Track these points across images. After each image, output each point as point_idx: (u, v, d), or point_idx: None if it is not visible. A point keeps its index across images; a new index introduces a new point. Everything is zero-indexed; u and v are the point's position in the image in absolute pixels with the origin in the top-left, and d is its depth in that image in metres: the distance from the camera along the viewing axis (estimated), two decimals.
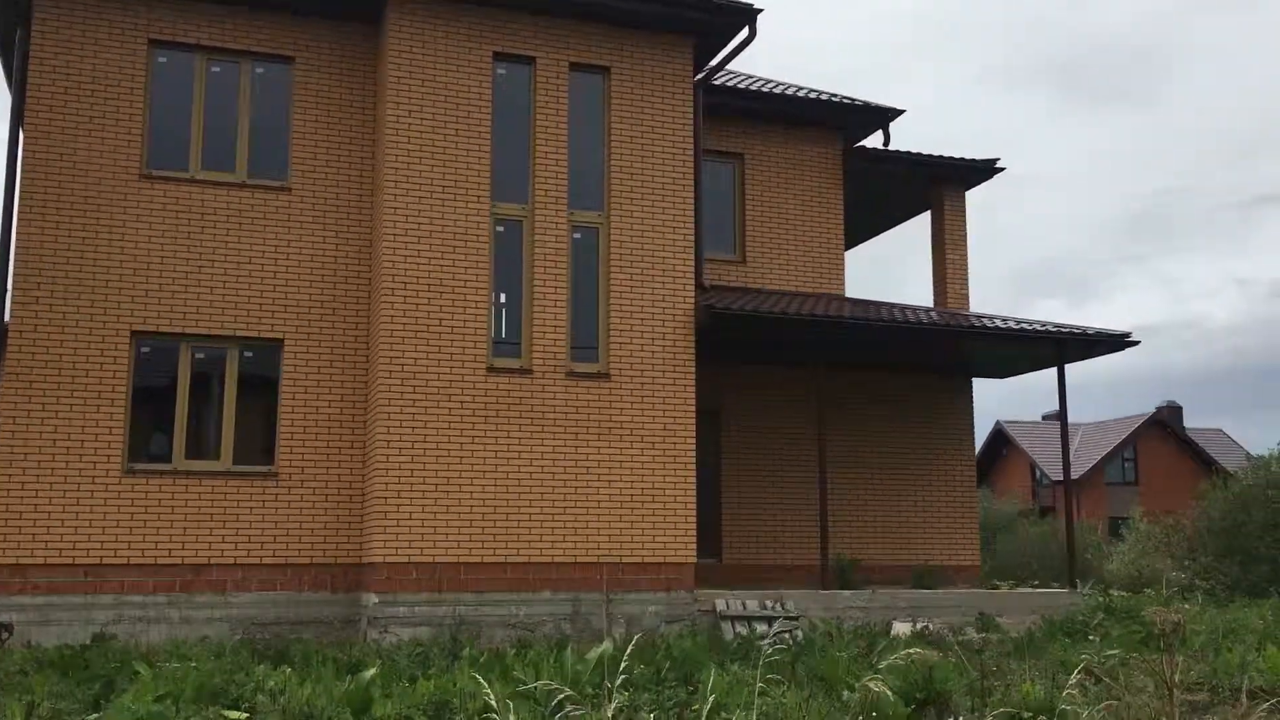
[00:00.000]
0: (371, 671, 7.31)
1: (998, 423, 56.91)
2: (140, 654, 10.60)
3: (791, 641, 13.11)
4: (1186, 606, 10.74)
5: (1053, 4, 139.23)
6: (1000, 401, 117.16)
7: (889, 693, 5.87)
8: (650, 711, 6.94)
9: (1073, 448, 54.44)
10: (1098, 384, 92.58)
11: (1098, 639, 11.86)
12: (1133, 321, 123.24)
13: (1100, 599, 16.09)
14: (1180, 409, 55.13)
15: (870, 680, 5.37)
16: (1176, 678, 6.06)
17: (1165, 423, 53.78)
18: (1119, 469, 53.53)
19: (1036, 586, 19.76)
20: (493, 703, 5.82)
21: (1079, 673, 6.69)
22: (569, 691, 5.46)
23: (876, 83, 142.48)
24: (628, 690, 7.58)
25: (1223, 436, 57.33)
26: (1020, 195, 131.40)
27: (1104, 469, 52.51)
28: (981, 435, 57.76)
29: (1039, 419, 58.07)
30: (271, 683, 7.01)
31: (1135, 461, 53.69)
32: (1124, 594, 20.72)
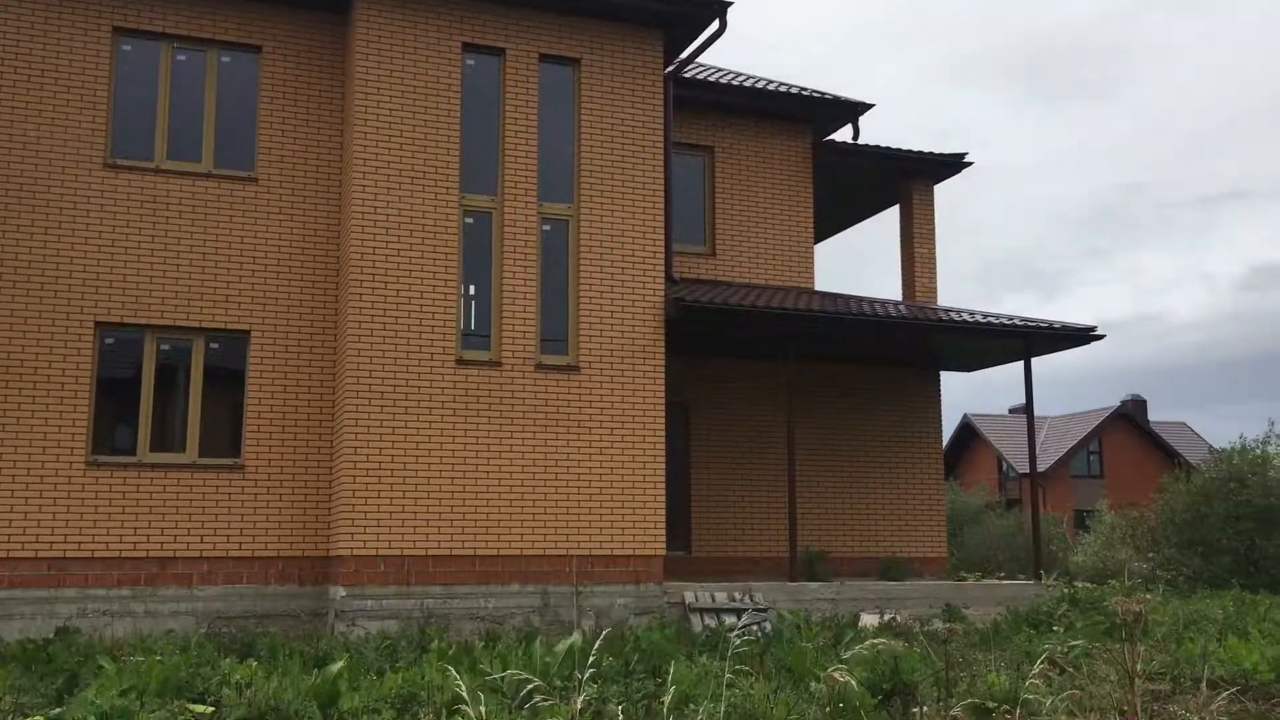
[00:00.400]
0: (339, 665, 7.28)
1: (965, 416, 57.32)
2: (105, 648, 10.51)
3: (760, 633, 13.17)
4: (1149, 597, 10.86)
5: (1014, 1, 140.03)
6: (967, 394, 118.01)
7: (854, 683, 5.91)
8: (618, 703, 6.94)
9: (1039, 441, 54.95)
10: (1063, 378, 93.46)
11: (1061, 630, 11.97)
12: (1097, 316, 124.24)
13: (1065, 590, 16.25)
14: (1145, 402, 55.69)
15: (835, 671, 5.38)
16: (1139, 668, 6.12)
17: (1130, 416, 54.31)
18: (1084, 462, 54.03)
19: (1002, 578, 19.92)
20: (463, 694, 5.80)
21: (1042, 663, 6.75)
22: (538, 682, 5.45)
23: (843, 76, 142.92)
24: (596, 682, 7.58)
25: (1186, 430, 57.97)
26: (987, 189, 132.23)
27: (1070, 462, 52.98)
28: (949, 428, 58.16)
29: (1006, 412, 58.54)
30: (238, 676, 6.96)
31: (1101, 454, 54.20)
32: (1089, 585, 20.95)
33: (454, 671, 6.78)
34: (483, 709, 5.73)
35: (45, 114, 13.59)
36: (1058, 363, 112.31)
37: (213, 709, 6.56)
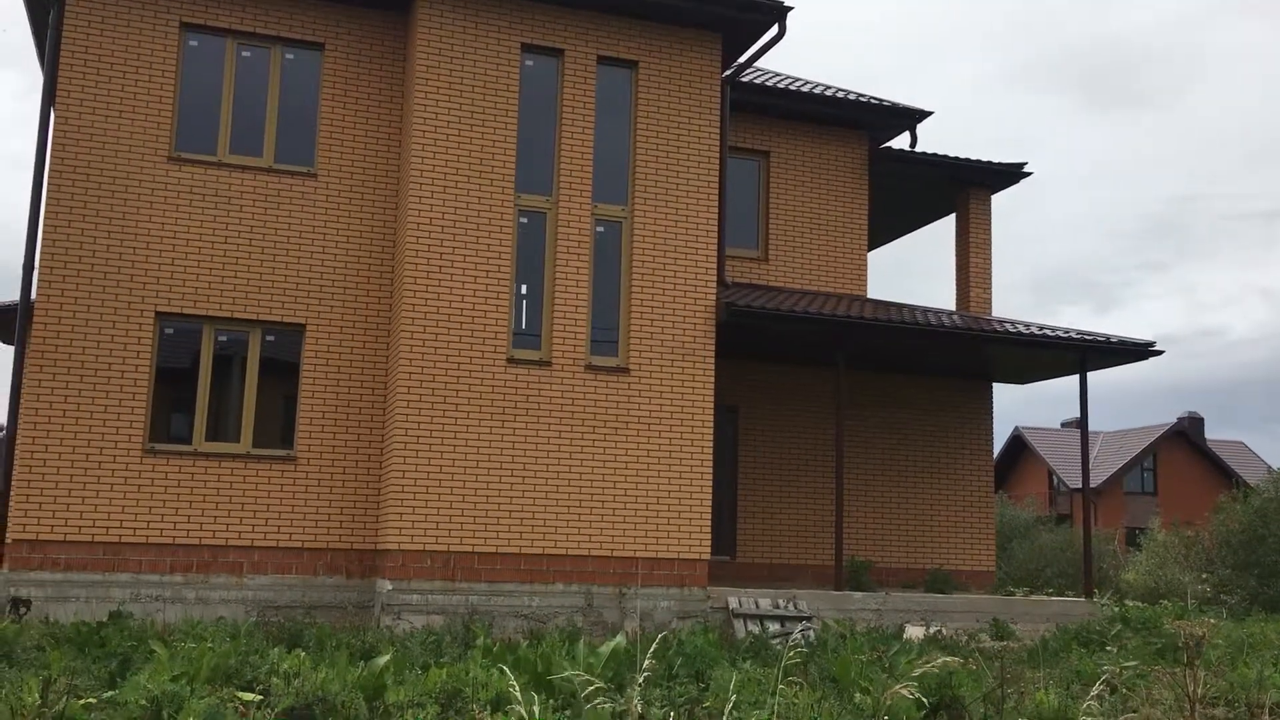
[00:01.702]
0: (385, 658, 7.34)
1: (1016, 428, 56.65)
2: (156, 633, 10.68)
3: (804, 641, 13.11)
4: (1211, 620, 10.63)
5: (1074, 5, 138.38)
6: (1019, 407, 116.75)
7: (909, 696, 5.85)
8: (661, 707, 6.94)
9: (1092, 456, 54.27)
10: (1117, 393, 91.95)
11: (1114, 649, 11.80)
12: (1153, 330, 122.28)
13: (1117, 609, 16.01)
14: (1201, 420, 54.77)
15: (903, 687, 5.32)
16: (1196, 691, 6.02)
17: (1186, 433, 53.43)
18: (1138, 479, 53.22)
19: (1051, 594, 19.69)
20: (513, 693, 5.82)
21: (1102, 683, 6.65)
22: (597, 684, 5.46)
23: (896, 82, 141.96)
24: (641, 685, 7.57)
25: (1244, 449, 56.95)
26: (1041, 199, 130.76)
27: (1123, 478, 52.21)
28: (1000, 441, 57.55)
29: (1058, 426, 57.78)
30: (286, 666, 7.04)
31: (1155, 471, 53.36)
32: (1141, 605, 20.63)
33: (504, 669, 6.81)
34: (535, 708, 5.74)
35: (113, 106, 13.85)
36: (1111, 377, 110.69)
37: (261, 697, 6.65)
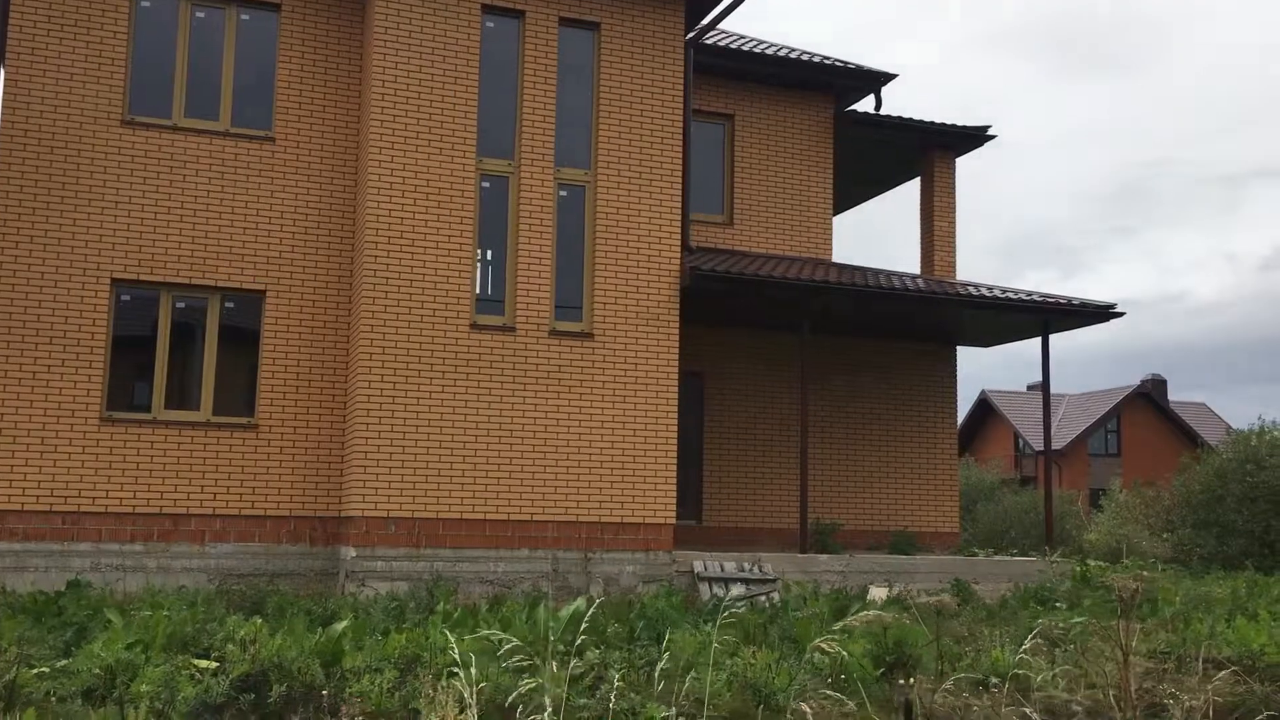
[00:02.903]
0: (343, 624, 7.32)
1: (983, 391, 57.06)
2: (115, 602, 10.59)
3: (768, 604, 13.19)
4: (1146, 574, 10.71)
5: None
6: (986, 370, 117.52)
7: (844, 653, 5.87)
8: (619, 669, 6.95)
9: (1056, 419, 54.76)
10: (1084, 356, 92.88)
11: (1066, 606, 11.94)
12: (1120, 294, 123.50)
13: (1075, 568, 16.22)
14: (1165, 382, 55.31)
15: (825, 641, 5.36)
16: (1140, 645, 6.09)
17: (1149, 395, 53.96)
18: (1102, 440, 53.76)
19: (1014, 555, 19.87)
20: (455, 656, 5.81)
21: (1033, 638, 6.73)
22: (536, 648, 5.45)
23: (867, 48, 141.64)
24: (599, 648, 7.60)
25: (1207, 410, 57.64)
26: (1011, 163, 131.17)
27: (1087, 440, 52.73)
28: (966, 404, 57.94)
29: (1024, 389, 58.26)
30: (242, 633, 7.01)
31: (1119, 433, 53.91)
32: (1101, 564, 20.89)
33: (451, 635, 6.79)
34: (478, 671, 5.72)
35: (64, 69, 13.58)
36: (1078, 340, 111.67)
37: (217, 664, 6.61)
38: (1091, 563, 22.21)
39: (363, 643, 7.55)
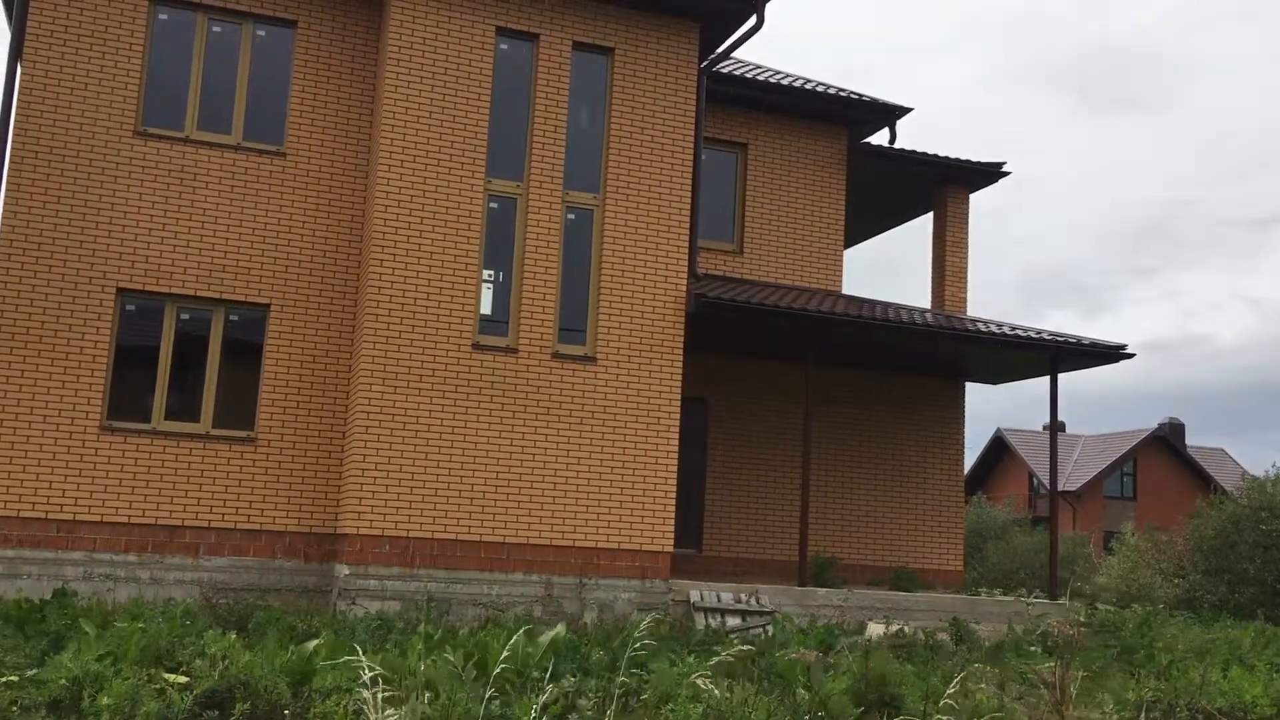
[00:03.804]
0: (315, 642, 7.23)
1: (998, 430, 56.71)
2: (102, 612, 10.54)
3: (764, 636, 13.03)
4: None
5: (1068, 6, 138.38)
6: (1003, 408, 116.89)
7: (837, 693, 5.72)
8: (592, 698, 6.84)
9: (1073, 459, 54.32)
10: (1105, 398, 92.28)
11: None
12: (1141, 336, 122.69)
13: (1080, 611, 15.96)
14: (1182, 426, 54.87)
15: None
16: (1128, 694, 5.92)
17: (1167, 439, 53.53)
18: (1118, 483, 53.33)
19: (1021, 596, 19.62)
20: (435, 679, 5.72)
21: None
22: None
23: (887, 79, 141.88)
24: (576, 675, 7.48)
25: (1224, 456, 57.10)
26: (1033, 201, 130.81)
27: (1103, 483, 52.31)
28: (982, 442, 57.61)
29: (1040, 428, 57.86)
30: (214, 648, 6.93)
31: (1135, 476, 53.47)
32: (1109, 608, 20.59)
33: (427, 657, 6.69)
34: (447, 695, 5.63)
35: (79, 80, 13.67)
36: (1097, 382, 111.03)
37: (185, 679, 6.53)
38: (1102, 607, 21.91)
39: (338, 662, 7.45)
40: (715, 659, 7.48)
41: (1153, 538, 28.77)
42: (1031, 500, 53.41)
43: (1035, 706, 6.65)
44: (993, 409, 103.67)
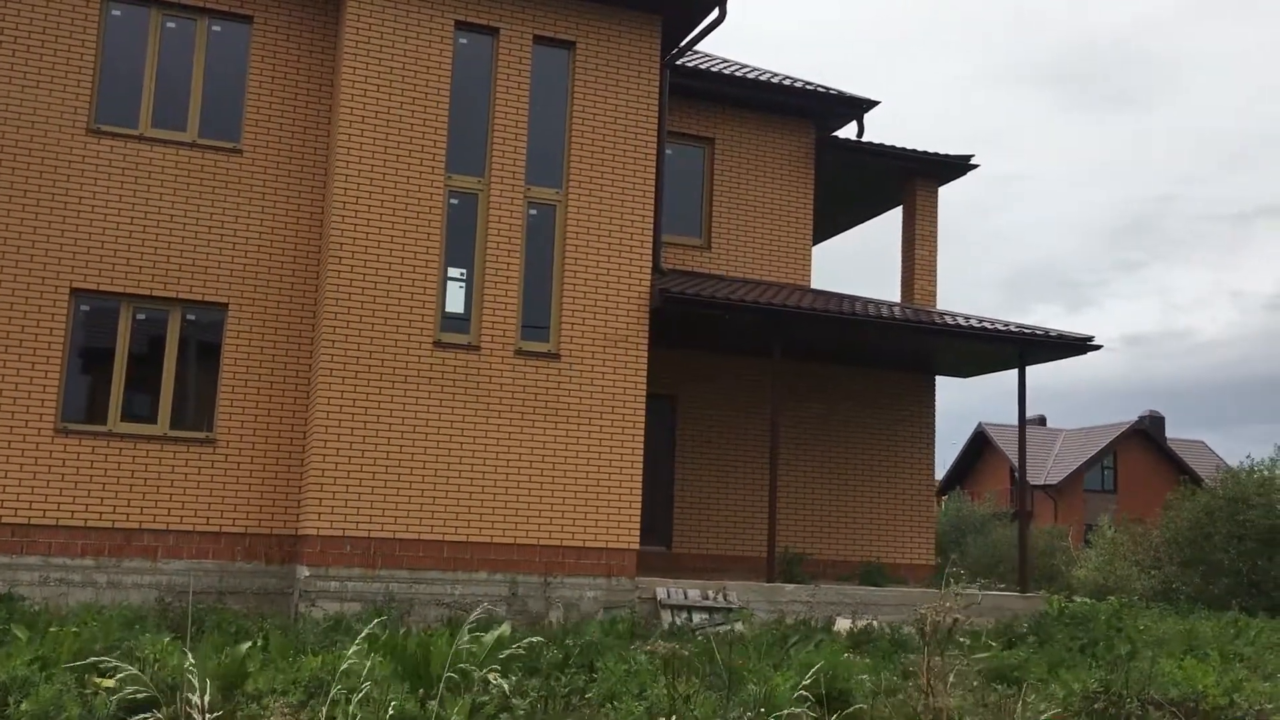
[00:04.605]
0: (247, 645, 7.10)
1: (980, 424, 56.75)
2: (51, 617, 10.35)
3: (731, 633, 12.91)
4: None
5: (1055, 3, 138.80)
6: (986, 402, 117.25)
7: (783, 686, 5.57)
8: (538, 695, 6.71)
9: (1053, 453, 54.39)
10: (1087, 391, 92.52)
11: (1034, 641, 11.65)
12: (1124, 330, 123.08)
13: (1052, 604, 15.90)
14: (1163, 419, 54.98)
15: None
16: (1073, 684, 5.80)
17: (1147, 432, 53.63)
18: (1099, 476, 53.41)
19: (1000, 590, 19.52)
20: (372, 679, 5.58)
21: (979, 676, 6.46)
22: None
23: (870, 79, 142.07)
24: (517, 675, 7.35)
25: (1204, 448, 57.25)
26: (1020, 197, 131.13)
27: (1083, 476, 52.38)
28: (964, 436, 57.63)
29: None
30: (147, 651, 6.77)
31: (1115, 469, 53.57)
32: (1086, 600, 20.54)
33: (375, 659, 6.55)
34: (379, 696, 5.49)
35: (30, 76, 13.46)
36: (1080, 375, 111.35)
37: (115, 683, 6.38)
38: (1079, 599, 21.86)
39: (280, 664, 7.31)
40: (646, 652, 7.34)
41: (1129, 530, 28.79)
42: (1013, 494, 53.43)
43: (992, 704, 6.55)
44: (975, 403, 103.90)
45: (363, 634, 6.14)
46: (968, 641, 9.59)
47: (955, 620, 5.56)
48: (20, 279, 13.19)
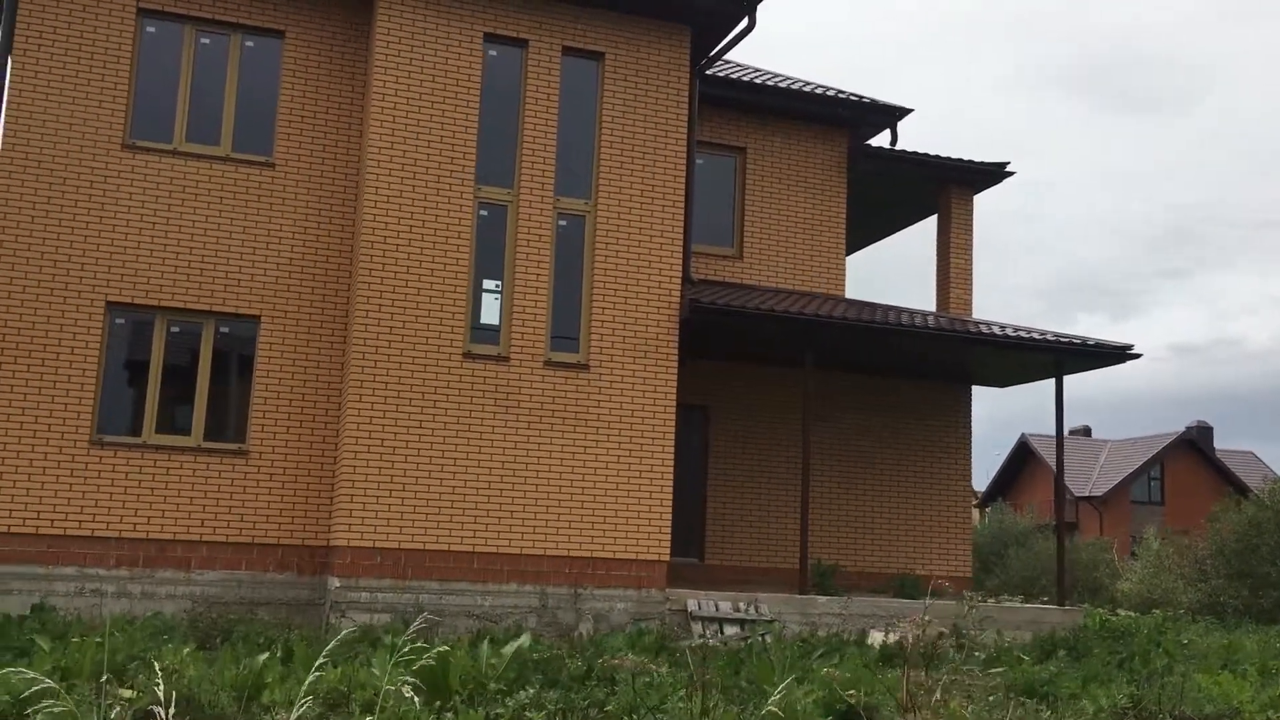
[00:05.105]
0: (264, 656, 7.10)
1: (1023, 435, 56.06)
2: (83, 628, 10.44)
3: (762, 645, 12.79)
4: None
5: (1090, 6, 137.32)
6: (1027, 411, 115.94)
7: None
8: (547, 710, 6.64)
9: (1099, 464, 53.60)
10: (1136, 401, 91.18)
11: (1070, 656, 11.44)
12: (1171, 339, 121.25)
13: (1093, 617, 15.65)
14: (1210, 429, 54.07)
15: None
16: (1101, 699, 5.66)
17: (1194, 442, 52.75)
18: (1145, 487, 52.58)
19: (1044, 602, 19.21)
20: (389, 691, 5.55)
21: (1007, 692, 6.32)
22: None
23: (904, 84, 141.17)
24: (535, 686, 7.29)
25: (1253, 459, 56.22)
26: (1061, 205, 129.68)
27: (1129, 487, 51.59)
28: (1007, 447, 56.96)
29: (1066, 433, 57.14)
30: (166, 662, 6.79)
31: (1162, 481, 52.71)
32: (1131, 614, 20.18)
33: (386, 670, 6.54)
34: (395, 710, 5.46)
35: (67, 93, 13.65)
36: (1128, 385, 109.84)
37: (134, 694, 6.40)
38: (1122, 612, 21.48)
39: (300, 676, 7.30)
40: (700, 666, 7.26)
41: (1174, 542, 28.30)
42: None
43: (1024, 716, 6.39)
44: (1018, 411, 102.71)
45: (384, 645, 6.11)
46: (982, 655, 9.42)
47: (940, 634, 5.44)
48: (57, 293, 13.36)
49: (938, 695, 7.22)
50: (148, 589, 13.20)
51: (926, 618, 5.76)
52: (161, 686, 5.25)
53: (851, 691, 6.91)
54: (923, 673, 5.61)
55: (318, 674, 7.31)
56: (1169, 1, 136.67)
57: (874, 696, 7.16)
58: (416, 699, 6.37)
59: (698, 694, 6.55)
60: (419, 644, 9.18)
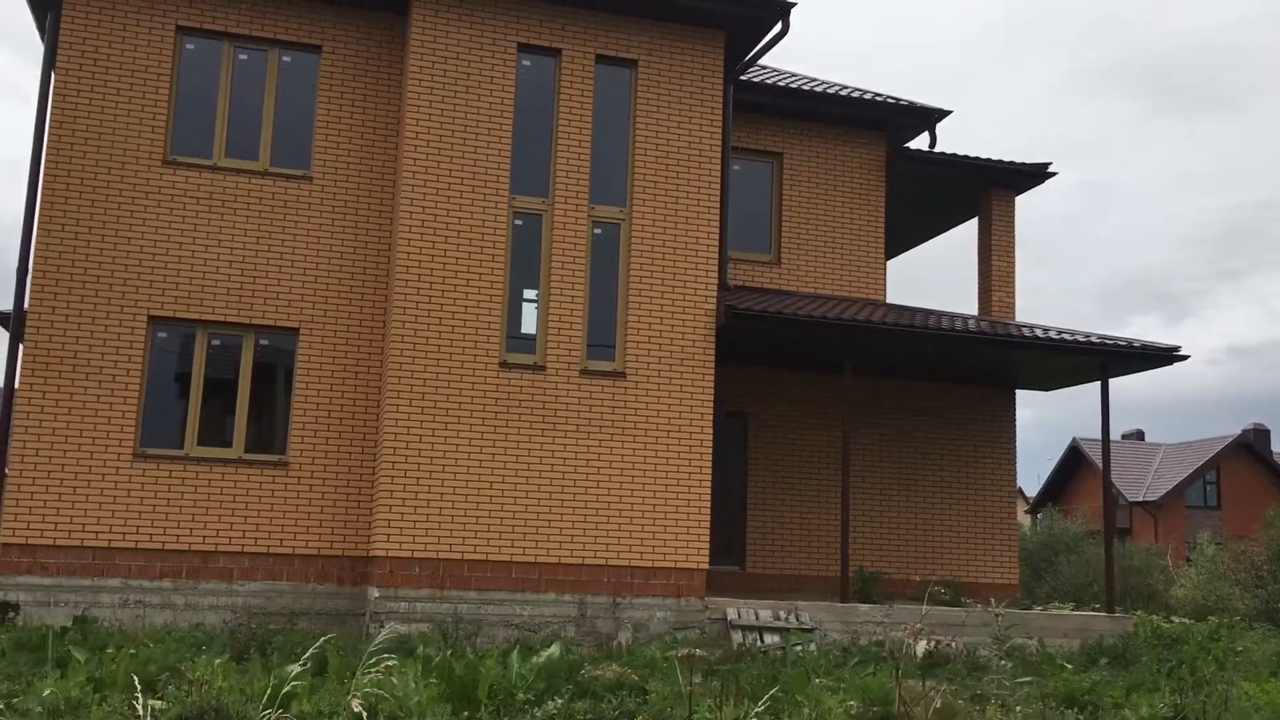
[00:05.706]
0: (295, 667, 7.14)
1: (1074, 440, 55.26)
2: (125, 638, 10.55)
3: (803, 654, 12.67)
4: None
5: (1143, 6, 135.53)
6: (1082, 417, 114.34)
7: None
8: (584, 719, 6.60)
9: (1153, 468, 52.70)
10: (1190, 403, 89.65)
11: (1107, 663, 11.20)
12: (1227, 341, 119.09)
13: (1142, 624, 15.32)
14: (1268, 432, 52.97)
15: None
16: (1142, 708, 5.52)
17: (1251, 446, 51.71)
18: (1200, 492, 51.61)
19: (1095, 610, 18.89)
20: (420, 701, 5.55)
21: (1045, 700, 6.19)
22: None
23: (959, 86, 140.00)
24: (565, 696, 7.25)
25: None
26: (1114, 206, 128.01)
27: (1184, 492, 50.66)
28: (1058, 452, 56.20)
29: (1118, 437, 56.29)
30: (198, 673, 6.84)
31: (1218, 485, 51.71)
32: (1182, 620, 19.76)
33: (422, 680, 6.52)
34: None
35: (108, 110, 13.86)
36: (1184, 388, 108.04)
37: (165, 705, 6.44)
38: (1176, 619, 21.03)
39: (332, 686, 7.33)
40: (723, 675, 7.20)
41: (1229, 547, 27.72)
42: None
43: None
44: (1069, 415, 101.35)
45: (416, 655, 6.10)
46: (1009, 665, 9.25)
47: (938, 643, 5.32)
48: (100, 307, 13.55)
49: (954, 701, 7.07)
50: (191, 600, 13.33)
51: (919, 626, 5.64)
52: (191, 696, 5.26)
53: (877, 703, 6.79)
54: (945, 683, 5.49)
55: (347, 684, 7.33)
56: (1224, 3, 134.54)
57: (908, 706, 7.04)
58: (443, 709, 6.36)
59: (728, 703, 6.49)
60: (452, 653, 9.19)
